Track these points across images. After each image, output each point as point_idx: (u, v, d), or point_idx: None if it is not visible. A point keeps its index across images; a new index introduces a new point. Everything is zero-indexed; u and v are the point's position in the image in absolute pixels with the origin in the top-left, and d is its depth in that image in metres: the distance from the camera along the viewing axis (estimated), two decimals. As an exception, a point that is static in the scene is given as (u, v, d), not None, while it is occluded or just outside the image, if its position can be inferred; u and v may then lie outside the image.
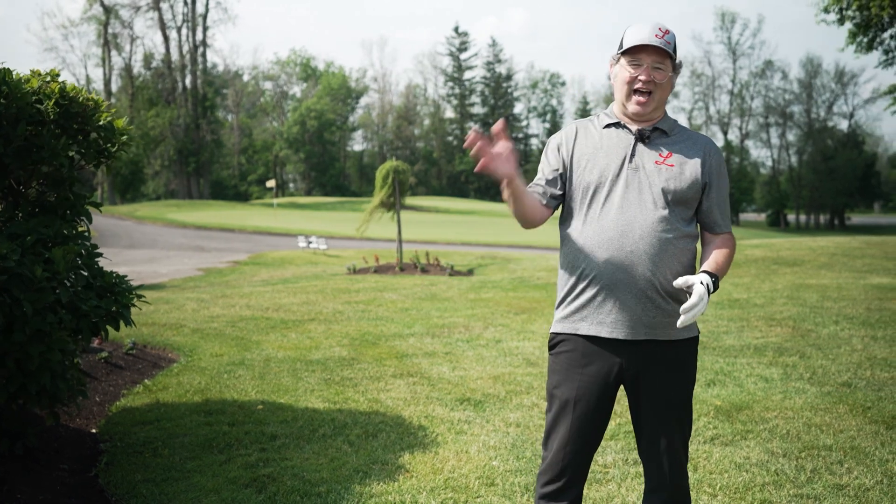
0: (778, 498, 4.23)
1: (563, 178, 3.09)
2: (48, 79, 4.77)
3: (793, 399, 5.98)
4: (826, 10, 21.03)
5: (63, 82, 4.77)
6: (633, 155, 3.00)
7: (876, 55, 21.74)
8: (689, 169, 2.99)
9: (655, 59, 2.95)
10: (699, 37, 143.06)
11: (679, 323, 2.80)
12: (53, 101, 4.60)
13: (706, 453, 4.91)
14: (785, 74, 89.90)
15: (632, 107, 2.99)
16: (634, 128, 3.04)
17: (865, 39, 21.10)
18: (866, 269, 14.70)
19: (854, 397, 5.98)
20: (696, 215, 3.06)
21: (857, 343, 7.88)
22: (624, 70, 2.99)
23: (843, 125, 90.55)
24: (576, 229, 3.02)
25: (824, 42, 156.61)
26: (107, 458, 4.97)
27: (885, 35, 21.35)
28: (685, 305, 2.78)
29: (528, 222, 3.05)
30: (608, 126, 3.09)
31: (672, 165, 2.98)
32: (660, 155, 3.00)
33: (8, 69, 4.49)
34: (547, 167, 3.12)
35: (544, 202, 3.08)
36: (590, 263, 2.96)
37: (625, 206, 2.94)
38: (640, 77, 2.95)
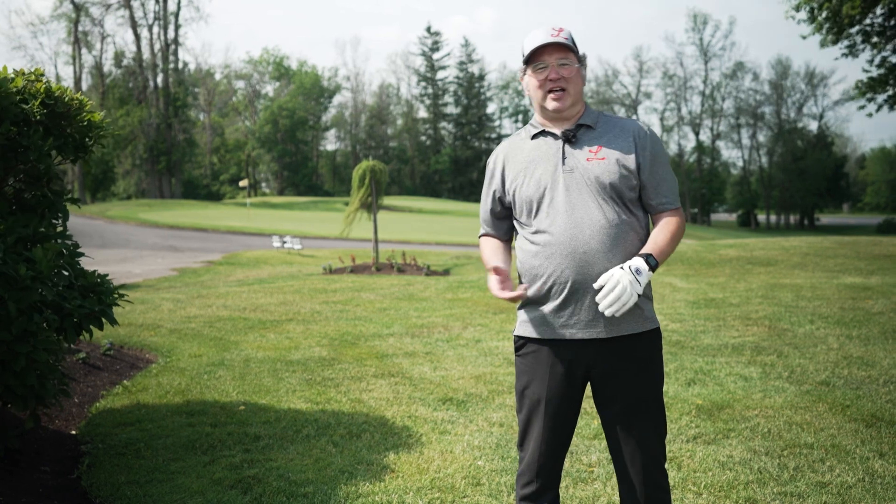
0: (762, 496, 4.26)
1: (503, 201, 3.18)
2: (33, 78, 4.72)
3: (773, 398, 6.04)
4: (797, 9, 21.25)
5: (48, 82, 4.71)
6: (564, 157, 3.02)
7: (839, 47, 22.04)
8: (621, 158, 3.01)
9: (558, 57, 3.01)
10: (671, 38, 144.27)
11: (601, 309, 2.82)
12: (39, 100, 4.54)
13: (689, 452, 4.94)
14: (756, 76, 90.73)
15: (550, 104, 3.04)
16: (559, 131, 3.07)
17: (831, 35, 21.36)
18: (838, 269, 14.89)
19: (833, 396, 6.05)
20: (640, 200, 3.08)
21: (833, 342, 7.98)
22: (532, 78, 3.07)
23: (813, 126, 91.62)
24: (528, 241, 3.05)
25: (794, 44, 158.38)
26: (89, 460, 4.91)
27: (853, 31, 21.63)
28: (598, 295, 2.81)
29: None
30: (535, 136, 3.13)
31: (603, 158, 3.00)
32: (590, 151, 3.02)
33: None
34: (487, 197, 3.25)
35: (505, 237, 3.25)
36: (545, 271, 2.98)
37: (570, 210, 2.96)
38: (549, 77, 3.01)
